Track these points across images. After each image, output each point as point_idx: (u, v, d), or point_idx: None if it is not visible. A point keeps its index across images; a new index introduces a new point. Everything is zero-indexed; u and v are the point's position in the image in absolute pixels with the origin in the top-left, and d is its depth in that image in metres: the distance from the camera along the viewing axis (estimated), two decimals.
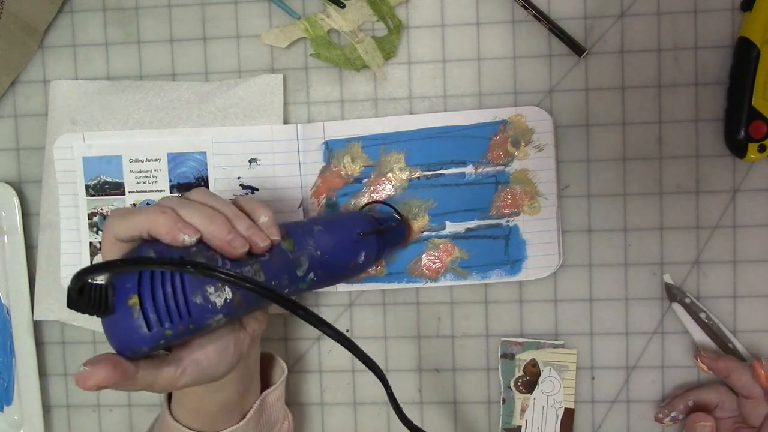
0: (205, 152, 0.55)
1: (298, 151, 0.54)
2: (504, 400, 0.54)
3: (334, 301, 0.56)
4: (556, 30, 0.52)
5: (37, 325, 0.57)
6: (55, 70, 0.57)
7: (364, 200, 0.54)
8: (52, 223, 0.56)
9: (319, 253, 0.43)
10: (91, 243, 0.56)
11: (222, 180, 0.55)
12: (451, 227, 0.54)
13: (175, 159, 0.55)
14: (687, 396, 0.51)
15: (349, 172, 0.54)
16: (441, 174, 0.54)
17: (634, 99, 0.53)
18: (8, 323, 0.57)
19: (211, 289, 0.35)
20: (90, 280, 0.33)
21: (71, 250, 0.56)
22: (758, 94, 0.50)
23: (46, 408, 0.58)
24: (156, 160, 0.55)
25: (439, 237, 0.54)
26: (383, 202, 0.54)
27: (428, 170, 0.54)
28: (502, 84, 0.54)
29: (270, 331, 0.57)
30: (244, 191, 0.55)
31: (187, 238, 0.35)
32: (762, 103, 0.50)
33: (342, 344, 0.37)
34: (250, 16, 0.55)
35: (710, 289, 0.53)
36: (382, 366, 0.56)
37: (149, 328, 0.34)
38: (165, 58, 0.56)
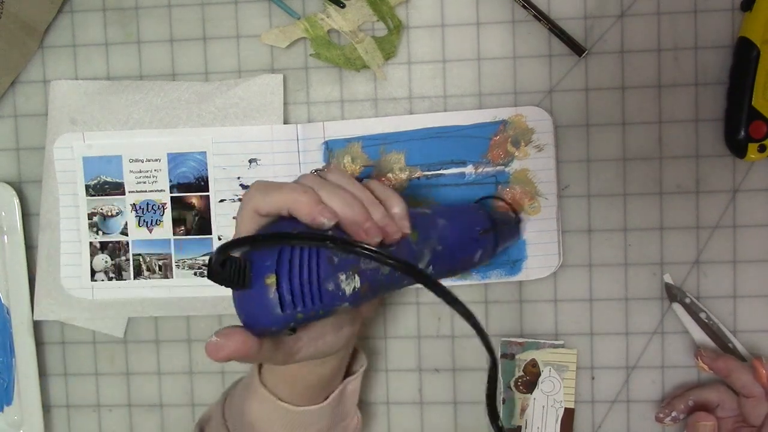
0: (205, 152, 0.55)
1: (298, 151, 0.54)
2: (504, 400, 0.54)
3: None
4: (556, 30, 0.52)
5: (37, 325, 0.57)
6: (55, 70, 0.57)
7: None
8: (52, 223, 0.56)
9: (440, 247, 0.43)
10: (91, 243, 0.56)
11: (222, 180, 0.55)
12: None
13: (175, 159, 0.55)
14: (687, 396, 0.51)
15: (349, 172, 0.54)
16: (441, 174, 0.54)
17: (634, 99, 0.53)
18: (8, 323, 0.57)
19: (342, 277, 0.35)
20: (231, 254, 0.34)
21: (71, 250, 0.56)
22: (758, 94, 0.50)
23: (46, 408, 0.58)
24: (156, 160, 0.55)
25: None
26: (498, 197, 0.53)
27: (428, 170, 0.54)
28: (502, 84, 0.54)
29: None
30: (244, 191, 0.55)
31: (326, 221, 0.36)
32: (762, 103, 0.50)
33: (470, 323, 0.37)
34: (250, 16, 0.55)
35: (710, 289, 0.53)
36: (381, 366, 0.56)
37: (283, 308, 0.34)
38: (165, 58, 0.56)
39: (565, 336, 0.55)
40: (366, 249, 0.34)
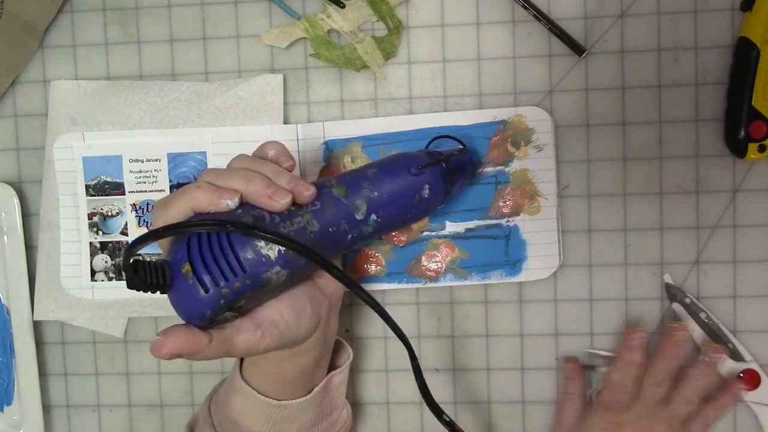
0: (205, 152, 0.55)
1: (298, 151, 0.54)
2: None
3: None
4: (556, 30, 0.52)
5: (37, 325, 0.57)
6: (55, 70, 0.57)
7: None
8: (52, 223, 0.56)
9: (376, 194, 0.42)
10: (91, 243, 0.56)
11: None
12: (451, 227, 0.54)
13: (175, 159, 0.55)
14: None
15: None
16: None
17: (634, 99, 0.53)
18: (8, 323, 0.57)
19: (261, 243, 0.36)
20: (144, 260, 0.35)
21: (71, 250, 0.56)
22: (758, 94, 0.50)
23: (46, 408, 0.58)
24: (156, 160, 0.55)
25: (439, 237, 0.54)
26: (448, 136, 0.52)
27: None
28: (502, 84, 0.54)
29: None
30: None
31: (230, 202, 0.37)
32: (762, 103, 0.50)
33: (374, 309, 0.39)
34: (250, 16, 0.55)
35: (710, 289, 0.53)
36: (381, 366, 0.56)
37: (205, 290, 0.35)
38: (165, 58, 0.56)
39: (566, 336, 0.55)
40: (259, 230, 0.35)
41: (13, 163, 0.58)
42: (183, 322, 0.36)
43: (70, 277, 0.56)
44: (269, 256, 0.36)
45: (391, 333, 0.56)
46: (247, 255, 0.35)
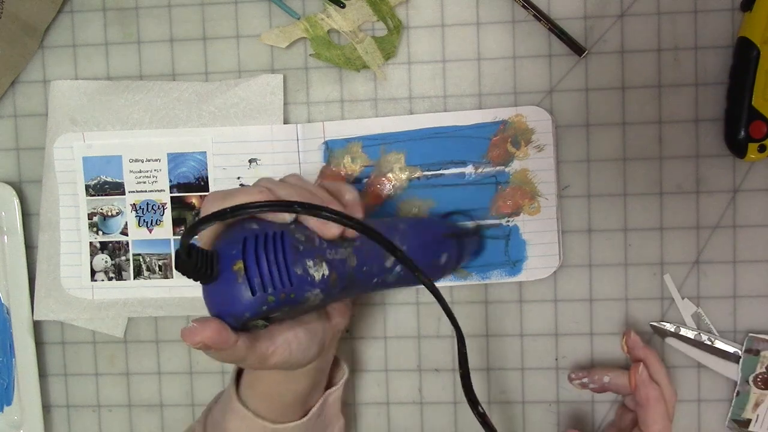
0: (205, 152, 0.55)
1: (298, 151, 0.54)
2: (738, 393, 0.53)
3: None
4: (556, 30, 0.52)
5: (37, 325, 0.57)
6: (55, 70, 0.57)
7: (365, 200, 0.54)
8: (52, 223, 0.56)
9: (405, 247, 0.43)
10: (90, 243, 0.56)
11: (222, 180, 0.55)
12: None
13: (175, 159, 0.55)
14: (606, 371, 0.50)
15: (349, 172, 0.54)
16: (441, 174, 0.54)
17: (634, 99, 0.53)
18: (8, 323, 0.57)
19: (310, 263, 0.36)
20: (199, 248, 0.34)
21: (71, 250, 0.56)
22: (758, 94, 0.50)
23: (46, 408, 0.58)
24: (156, 160, 0.55)
25: None
26: (460, 212, 0.54)
27: (428, 170, 0.54)
28: (502, 84, 0.54)
29: None
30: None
31: (288, 216, 0.37)
32: (762, 103, 0.50)
33: (432, 292, 0.39)
34: (250, 16, 0.55)
35: (710, 289, 0.53)
36: (381, 366, 0.56)
37: (253, 292, 0.35)
38: (165, 58, 0.56)
39: (565, 336, 0.55)
40: (331, 211, 0.35)
41: (13, 163, 0.58)
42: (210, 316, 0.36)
43: (70, 277, 0.56)
44: (314, 277, 0.36)
45: (390, 333, 0.56)
46: (297, 270, 0.36)
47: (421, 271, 0.38)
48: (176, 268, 0.33)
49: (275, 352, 0.38)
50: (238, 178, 0.55)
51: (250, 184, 0.40)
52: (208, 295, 0.36)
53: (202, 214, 0.37)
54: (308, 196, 0.39)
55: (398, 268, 0.43)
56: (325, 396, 0.47)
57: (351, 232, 0.39)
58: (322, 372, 0.46)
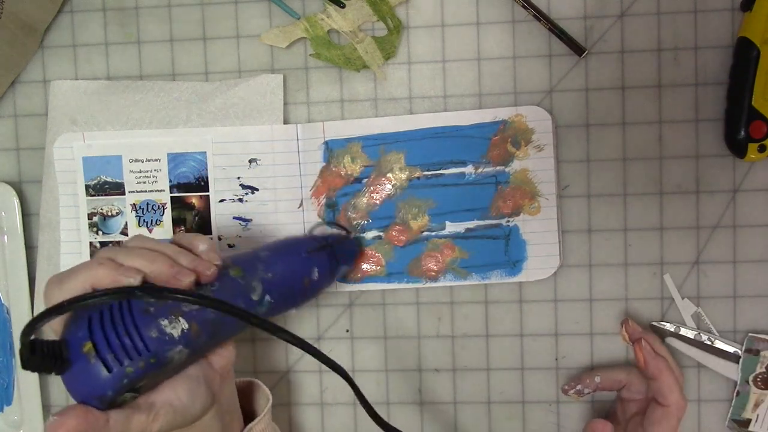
0: (205, 152, 0.55)
1: (298, 151, 0.54)
2: (738, 393, 0.53)
3: (335, 301, 0.56)
4: (556, 30, 0.52)
5: None
6: (55, 70, 0.57)
7: (364, 200, 0.54)
8: (52, 223, 0.56)
9: (270, 275, 0.43)
10: (90, 243, 0.56)
11: (222, 180, 0.55)
12: (451, 227, 0.54)
13: (175, 159, 0.55)
14: (595, 372, 0.52)
15: (349, 172, 0.54)
16: (441, 174, 0.54)
17: (634, 99, 0.53)
18: (8, 323, 0.57)
19: (165, 322, 0.36)
20: (41, 338, 0.34)
21: (71, 250, 0.56)
22: (758, 94, 0.50)
23: (46, 408, 0.58)
24: (156, 160, 0.55)
25: (439, 237, 0.54)
26: (332, 222, 0.54)
27: (428, 170, 0.54)
28: (502, 84, 0.54)
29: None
30: (244, 191, 0.55)
31: (133, 281, 0.36)
32: (762, 103, 0.50)
33: (305, 350, 0.39)
34: (250, 16, 0.55)
35: (710, 289, 0.53)
36: (381, 366, 0.56)
37: (109, 369, 0.34)
38: (165, 58, 0.56)
39: (565, 336, 0.55)
40: (171, 291, 0.35)
41: (13, 163, 0.58)
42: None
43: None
44: (173, 335, 0.36)
45: (390, 333, 0.56)
46: (152, 334, 0.35)
47: (291, 334, 0.38)
48: (23, 368, 0.33)
49: (158, 415, 0.37)
50: (238, 178, 0.55)
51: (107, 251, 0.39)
52: (67, 384, 0.35)
53: (44, 301, 0.36)
54: (154, 258, 0.37)
55: (268, 297, 0.42)
56: (246, 430, 0.46)
57: (207, 277, 0.39)
58: (226, 415, 0.44)
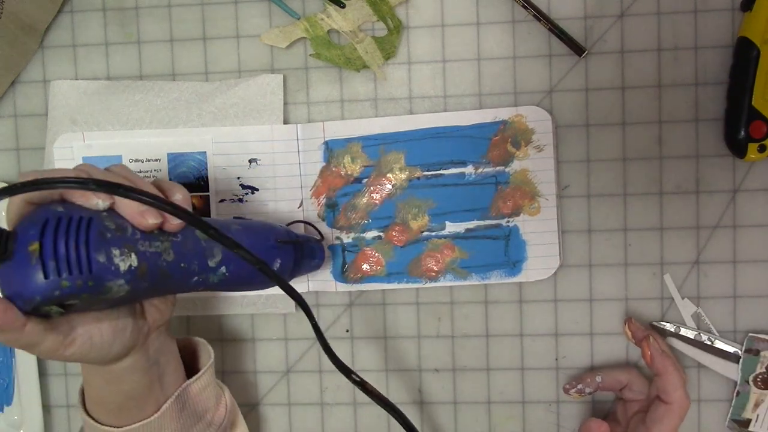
0: (205, 152, 0.55)
1: (298, 151, 0.54)
2: (738, 393, 0.53)
3: (334, 301, 0.56)
4: (556, 30, 0.52)
5: None
6: (55, 70, 0.57)
7: (364, 200, 0.54)
8: None
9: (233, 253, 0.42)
10: None
11: (222, 180, 0.55)
12: (451, 227, 0.54)
13: (175, 159, 0.55)
14: (597, 372, 0.52)
15: (349, 172, 0.54)
16: (441, 174, 0.54)
17: (634, 99, 0.53)
18: None
19: (116, 252, 0.35)
20: None
21: None
22: (758, 94, 0.50)
23: (46, 408, 0.58)
24: (156, 160, 0.55)
25: (439, 237, 0.54)
26: (308, 222, 0.54)
27: (428, 170, 0.54)
28: (502, 84, 0.54)
29: (269, 332, 0.57)
30: (244, 191, 0.55)
31: (101, 203, 0.36)
32: (762, 103, 0.50)
33: (262, 271, 0.39)
34: (250, 16, 0.55)
35: (710, 289, 0.53)
36: (381, 366, 0.56)
37: (46, 275, 0.33)
38: (165, 58, 0.56)
39: (565, 336, 0.55)
40: (147, 195, 0.34)
41: (13, 163, 0.58)
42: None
43: None
44: (119, 267, 0.35)
45: (390, 333, 0.56)
46: (99, 258, 0.34)
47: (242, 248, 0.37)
48: None
49: (74, 342, 0.36)
50: (238, 178, 0.55)
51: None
52: (0, 276, 0.34)
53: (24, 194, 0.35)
54: (128, 184, 0.37)
55: (223, 269, 0.42)
56: (182, 387, 0.45)
57: (173, 226, 0.38)
58: (154, 369, 0.43)
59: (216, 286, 0.43)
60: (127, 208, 0.37)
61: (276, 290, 0.45)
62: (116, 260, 0.35)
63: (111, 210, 0.37)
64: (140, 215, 0.37)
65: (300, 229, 0.55)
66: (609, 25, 0.53)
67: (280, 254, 0.46)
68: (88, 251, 0.34)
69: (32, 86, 0.57)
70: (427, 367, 0.56)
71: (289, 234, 0.49)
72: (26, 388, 0.57)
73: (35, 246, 0.33)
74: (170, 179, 0.55)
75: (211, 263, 0.41)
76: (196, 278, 0.41)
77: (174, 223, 0.38)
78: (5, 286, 0.34)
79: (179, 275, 0.39)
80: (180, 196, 0.40)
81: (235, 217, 0.46)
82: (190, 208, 0.40)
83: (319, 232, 0.54)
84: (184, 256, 0.39)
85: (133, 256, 0.36)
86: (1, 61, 0.55)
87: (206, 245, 0.41)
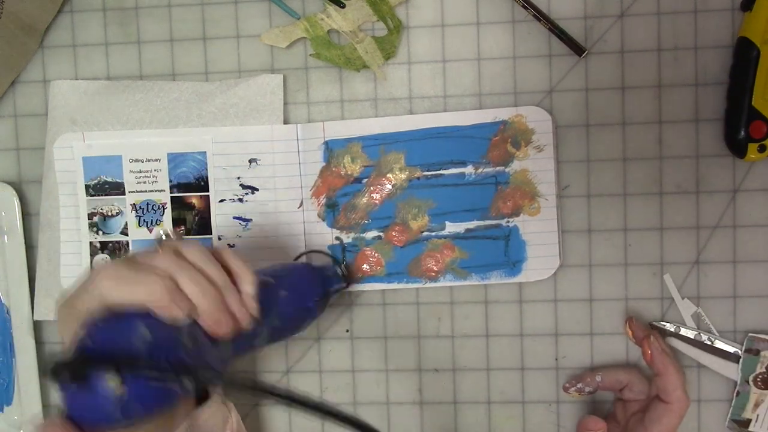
0: (205, 152, 0.55)
1: (298, 151, 0.54)
2: (738, 393, 0.53)
3: (335, 301, 0.56)
4: (556, 30, 0.52)
5: (37, 325, 0.57)
6: (55, 70, 0.57)
7: (364, 200, 0.54)
8: (52, 223, 0.56)
9: (278, 322, 0.43)
10: (91, 243, 0.56)
11: (222, 180, 0.55)
12: (451, 227, 0.54)
13: (175, 159, 0.55)
14: (597, 371, 0.52)
15: (349, 172, 0.54)
16: (441, 174, 0.54)
17: (634, 99, 0.53)
18: (8, 323, 0.57)
19: (188, 381, 0.34)
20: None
21: (71, 250, 0.56)
22: (758, 94, 0.50)
23: (46, 408, 0.58)
24: (156, 160, 0.55)
25: (439, 237, 0.54)
26: (319, 251, 0.54)
27: (428, 170, 0.54)
28: (502, 84, 0.54)
29: None
30: (244, 191, 0.55)
31: (181, 314, 0.35)
32: (762, 103, 0.50)
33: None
34: (250, 16, 0.55)
35: (710, 289, 0.53)
36: (381, 366, 0.56)
37: (124, 414, 0.32)
38: (165, 58, 0.56)
39: (565, 336, 0.55)
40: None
41: (13, 163, 0.58)
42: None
43: (70, 277, 0.56)
44: (188, 389, 0.34)
45: (390, 333, 0.56)
46: (174, 387, 0.33)
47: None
48: (53, 373, 0.31)
49: None
50: (238, 178, 0.55)
51: (148, 256, 0.37)
52: (68, 398, 0.32)
53: (90, 284, 0.34)
54: (206, 290, 0.36)
55: (266, 341, 0.42)
56: (191, 419, 0.43)
57: (244, 325, 0.38)
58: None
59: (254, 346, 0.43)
60: (207, 314, 0.36)
61: None
62: (188, 386, 0.33)
63: (189, 315, 0.36)
64: (217, 325, 0.37)
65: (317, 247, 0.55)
66: (609, 25, 0.53)
67: (313, 314, 0.48)
68: (168, 387, 0.33)
69: (32, 86, 0.57)
70: (427, 367, 0.56)
71: (323, 286, 0.49)
72: (26, 388, 0.57)
73: (116, 382, 0.31)
74: (170, 179, 0.55)
75: (257, 342, 0.42)
76: (235, 352, 0.40)
77: (244, 326, 0.39)
78: (72, 407, 0.32)
79: (222, 359, 0.39)
80: (248, 290, 0.39)
81: (266, 271, 0.46)
82: (255, 305, 0.39)
83: (347, 267, 0.54)
84: (238, 346, 0.39)
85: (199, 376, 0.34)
86: (1, 61, 0.55)
87: (259, 329, 0.41)
